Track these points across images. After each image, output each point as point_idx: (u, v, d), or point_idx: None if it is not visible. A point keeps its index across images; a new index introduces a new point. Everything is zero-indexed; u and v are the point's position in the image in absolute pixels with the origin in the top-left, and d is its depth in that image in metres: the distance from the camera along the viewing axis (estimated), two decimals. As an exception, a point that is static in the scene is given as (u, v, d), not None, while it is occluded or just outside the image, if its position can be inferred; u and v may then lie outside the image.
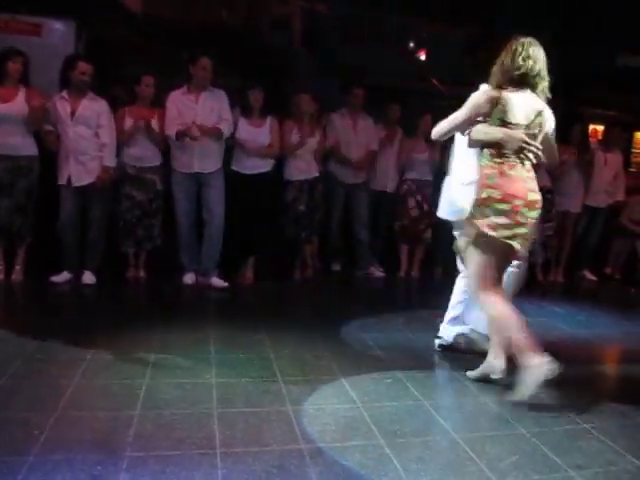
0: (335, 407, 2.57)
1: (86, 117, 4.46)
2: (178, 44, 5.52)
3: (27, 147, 4.42)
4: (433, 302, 4.83)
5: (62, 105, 4.45)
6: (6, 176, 4.34)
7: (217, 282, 4.71)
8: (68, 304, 4.30)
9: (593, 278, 6.31)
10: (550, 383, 2.92)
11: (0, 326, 3.42)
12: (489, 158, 2.73)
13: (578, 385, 2.98)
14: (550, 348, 3.58)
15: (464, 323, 3.38)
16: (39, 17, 5.20)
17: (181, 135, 4.52)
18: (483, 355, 3.02)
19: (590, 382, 3.11)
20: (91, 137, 4.49)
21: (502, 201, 2.66)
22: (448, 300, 4.92)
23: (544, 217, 5.81)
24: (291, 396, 2.64)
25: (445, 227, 5.38)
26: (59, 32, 5.25)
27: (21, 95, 4.34)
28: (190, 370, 2.91)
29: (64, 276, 4.56)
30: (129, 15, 5.87)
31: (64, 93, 4.47)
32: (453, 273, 5.46)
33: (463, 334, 3.37)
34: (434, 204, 5.53)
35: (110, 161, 4.55)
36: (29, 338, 3.23)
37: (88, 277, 4.59)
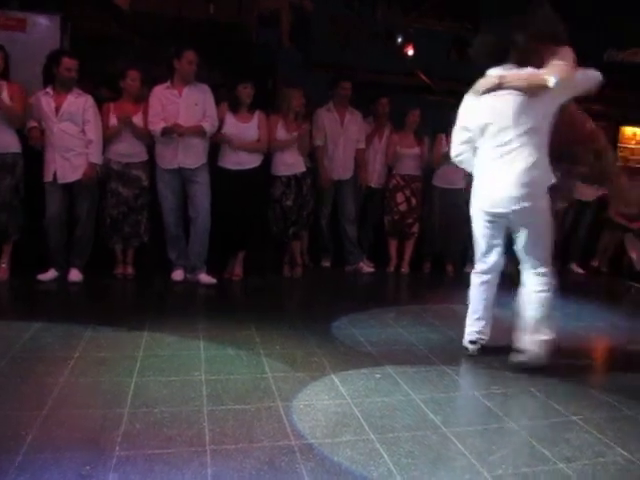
0: (325, 403, 2.57)
1: (71, 113, 4.41)
2: (165, 39, 5.47)
3: (11, 144, 4.36)
4: (422, 296, 4.89)
5: (47, 101, 4.39)
6: (-10, 174, 4.29)
7: (205, 278, 4.68)
8: (55, 302, 4.25)
9: (580, 271, 6.36)
10: (538, 375, 2.97)
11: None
12: None
13: (566, 377, 3.01)
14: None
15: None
16: (23, 12, 5.12)
17: (166, 132, 4.50)
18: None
19: (578, 374, 3.13)
20: (77, 133, 4.44)
21: None
22: (438, 294, 4.98)
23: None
24: (281, 392, 2.63)
25: (456, 224, 5.44)
26: (43, 27, 5.17)
27: (3, 91, 4.27)
28: (179, 367, 2.90)
29: (51, 274, 4.51)
30: (116, 10, 5.81)
31: (48, 89, 4.42)
32: (461, 270, 5.52)
33: None
34: (423, 198, 5.63)
35: (96, 158, 4.51)
36: (15, 337, 3.20)
37: (75, 275, 4.55)
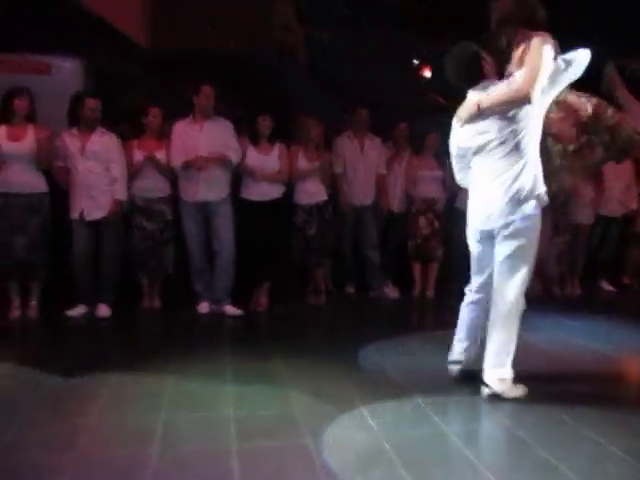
0: (355, 437, 2.54)
1: (96, 152, 4.52)
2: (185, 74, 5.58)
3: (37, 184, 4.47)
4: (448, 321, 4.80)
5: (72, 141, 4.51)
6: (19, 214, 4.39)
7: (231, 310, 4.70)
8: (84, 338, 4.31)
9: (611, 289, 6.23)
10: (568, 402, 2.89)
11: (16, 363, 3.45)
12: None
13: (597, 403, 2.93)
14: (569, 365, 3.58)
15: None
16: (48, 56, 5.29)
17: (186, 167, 4.57)
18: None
19: (610, 399, 3.04)
20: (102, 172, 4.54)
21: None
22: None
23: (557, 230, 5.81)
24: (310, 427, 2.61)
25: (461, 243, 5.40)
26: (68, 70, 5.33)
27: (30, 133, 4.40)
28: (207, 403, 2.89)
29: (79, 310, 4.58)
30: (136, 49, 5.95)
31: (73, 130, 4.54)
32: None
33: None
34: (446, 221, 5.60)
35: (122, 194, 4.59)
36: (45, 375, 3.24)
37: (103, 310, 4.60)
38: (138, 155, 4.68)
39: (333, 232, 5.22)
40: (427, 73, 7.55)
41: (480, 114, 2.81)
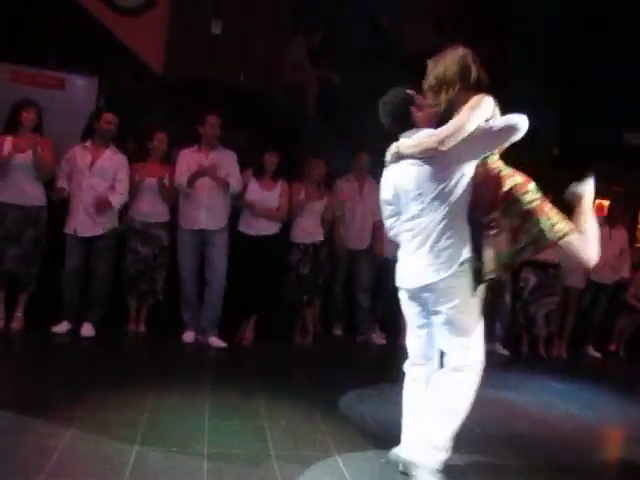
0: None
1: (104, 169, 4.53)
2: (194, 102, 5.67)
3: (36, 197, 4.49)
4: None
5: (82, 155, 4.52)
6: (15, 225, 4.39)
7: (216, 342, 4.66)
8: (65, 357, 4.27)
9: (597, 355, 6.22)
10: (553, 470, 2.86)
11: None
12: None
13: (580, 475, 2.90)
14: (549, 430, 3.56)
15: None
16: (63, 72, 5.39)
17: (191, 180, 4.58)
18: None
19: (592, 470, 3.02)
20: (104, 190, 4.55)
21: None
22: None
23: (548, 291, 5.84)
24: (283, 473, 2.57)
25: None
26: (81, 87, 5.44)
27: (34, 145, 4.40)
28: (182, 437, 2.85)
29: (64, 326, 4.53)
30: (150, 73, 6.07)
31: (87, 143, 4.56)
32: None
33: None
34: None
35: (116, 203, 4.57)
36: (20, 391, 3.20)
37: (87, 329, 4.56)
38: (138, 176, 4.68)
39: (326, 273, 5.23)
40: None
41: (400, 156, 2.64)
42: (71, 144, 4.65)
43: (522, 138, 2.53)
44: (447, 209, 2.55)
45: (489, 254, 2.56)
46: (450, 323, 2.58)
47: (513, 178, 2.58)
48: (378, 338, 5.49)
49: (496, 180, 2.59)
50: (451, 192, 2.54)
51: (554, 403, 4.19)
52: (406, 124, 2.69)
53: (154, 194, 4.72)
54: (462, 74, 2.62)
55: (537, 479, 2.84)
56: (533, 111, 2.64)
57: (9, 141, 4.39)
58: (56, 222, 4.58)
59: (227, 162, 4.75)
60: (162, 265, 4.78)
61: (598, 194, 2.80)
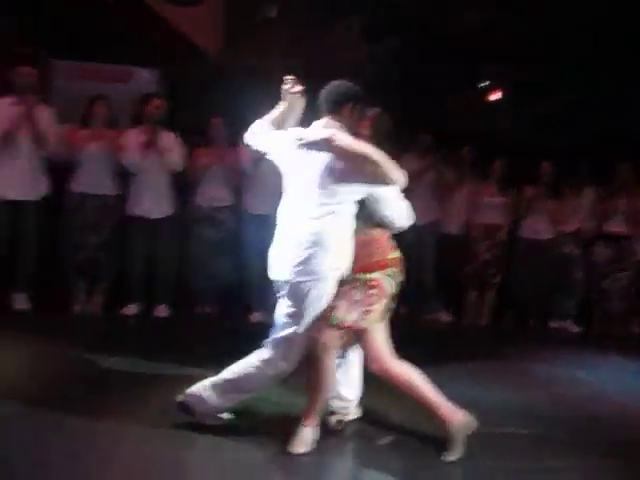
0: (400, 463, 2.53)
1: (159, 149, 4.63)
2: (252, 87, 5.73)
3: (114, 186, 4.68)
4: (501, 352, 4.68)
5: (137, 139, 4.63)
6: (93, 214, 4.60)
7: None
8: (139, 337, 4.42)
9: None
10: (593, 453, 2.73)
11: (78, 352, 3.63)
12: None
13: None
14: (625, 410, 3.39)
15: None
16: (126, 66, 5.56)
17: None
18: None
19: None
20: (163, 170, 4.67)
21: None
22: (517, 349, 4.76)
23: (621, 265, 5.59)
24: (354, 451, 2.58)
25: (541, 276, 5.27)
26: (145, 79, 5.60)
27: (108, 137, 4.61)
28: (253, 411, 2.86)
29: (133, 309, 4.72)
30: (209, 62, 6.18)
31: (138, 128, 4.69)
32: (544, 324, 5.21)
33: None
34: (506, 248, 5.49)
35: (172, 160, 4.65)
36: (94, 369, 3.38)
37: (161, 310, 4.74)
38: (202, 161, 4.79)
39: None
40: (494, 97, 7.45)
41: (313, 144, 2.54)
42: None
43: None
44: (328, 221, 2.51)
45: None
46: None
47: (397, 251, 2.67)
48: (444, 317, 5.43)
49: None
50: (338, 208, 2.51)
51: (629, 383, 4.03)
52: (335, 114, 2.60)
53: (219, 179, 4.81)
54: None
55: (614, 461, 2.71)
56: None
57: (84, 133, 4.59)
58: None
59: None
60: (228, 249, 4.88)
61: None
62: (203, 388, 2.64)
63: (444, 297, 5.55)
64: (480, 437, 2.76)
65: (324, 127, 2.59)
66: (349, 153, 2.46)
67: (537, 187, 5.48)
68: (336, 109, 2.62)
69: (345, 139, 2.50)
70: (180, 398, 2.66)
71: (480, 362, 4.25)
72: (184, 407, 2.65)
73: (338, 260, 2.53)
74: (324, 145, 2.50)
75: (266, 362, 2.61)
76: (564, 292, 5.55)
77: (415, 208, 5.12)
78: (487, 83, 7.23)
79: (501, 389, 3.62)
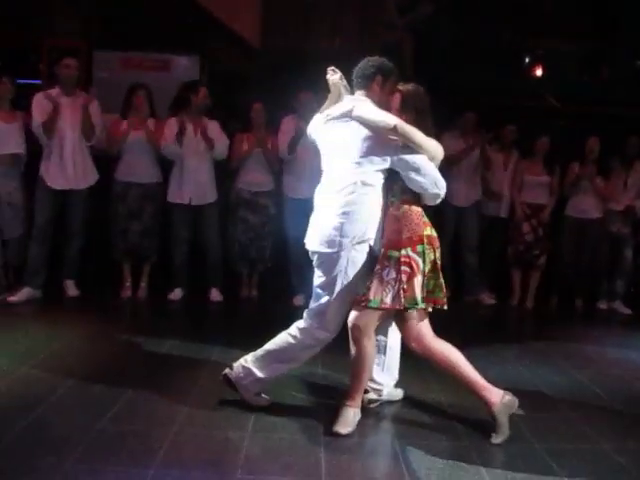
0: (444, 444, 2.53)
1: (203, 137, 4.67)
2: (291, 72, 5.73)
3: (155, 174, 4.78)
4: (548, 333, 4.61)
5: (181, 127, 4.67)
6: (136, 201, 4.71)
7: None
8: (187, 320, 4.58)
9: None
10: None
11: (130, 335, 3.77)
12: None
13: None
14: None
15: None
16: (167, 54, 5.63)
17: (292, 146, 4.62)
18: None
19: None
20: (208, 157, 4.74)
21: None
22: (564, 331, 4.68)
23: None
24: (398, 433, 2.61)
25: (589, 256, 5.15)
26: (184, 67, 5.67)
27: (150, 125, 4.68)
28: (300, 391, 2.97)
29: (177, 293, 4.83)
30: (248, 47, 6.20)
31: (183, 116, 4.72)
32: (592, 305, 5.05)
33: None
34: (552, 228, 5.36)
35: (219, 152, 4.74)
36: (151, 354, 3.48)
37: (215, 295, 4.86)
38: (245, 146, 4.82)
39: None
40: (539, 72, 7.24)
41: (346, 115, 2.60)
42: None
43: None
44: (359, 192, 2.58)
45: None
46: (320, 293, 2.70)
47: (431, 228, 2.62)
48: (487, 299, 5.37)
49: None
50: (371, 179, 2.58)
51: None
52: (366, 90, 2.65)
53: (260, 164, 4.85)
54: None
55: None
56: None
57: (125, 122, 4.68)
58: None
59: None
60: (270, 233, 4.94)
61: None
62: (246, 361, 2.76)
63: (487, 279, 5.47)
64: (527, 419, 2.76)
65: (352, 102, 2.64)
66: (371, 123, 2.52)
67: (584, 164, 5.32)
68: (367, 84, 2.66)
69: (365, 109, 2.56)
70: (225, 371, 2.79)
71: (525, 344, 4.22)
72: (228, 380, 2.77)
73: (368, 231, 2.59)
74: (348, 118, 2.58)
75: (304, 332, 2.69)
76: (612, 272, 5.40)
77: (459, 189, 5.21)
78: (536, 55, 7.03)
79: (548, 371, 3.58)
